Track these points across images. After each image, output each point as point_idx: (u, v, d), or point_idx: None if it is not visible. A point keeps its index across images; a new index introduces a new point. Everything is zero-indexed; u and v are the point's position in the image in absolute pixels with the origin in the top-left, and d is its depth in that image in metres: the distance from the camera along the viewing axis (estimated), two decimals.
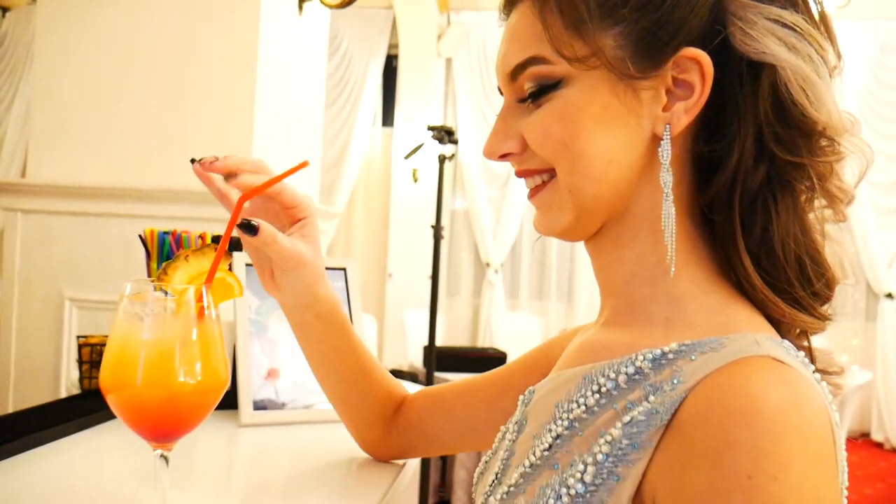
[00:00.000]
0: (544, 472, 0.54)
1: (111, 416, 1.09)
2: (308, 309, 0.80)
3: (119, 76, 1.90)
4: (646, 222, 0.57)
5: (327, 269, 1.20)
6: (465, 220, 5.70)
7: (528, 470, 0.55)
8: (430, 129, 2.83)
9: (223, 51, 1.85)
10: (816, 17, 0.55)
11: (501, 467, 0.61)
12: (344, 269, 1.18)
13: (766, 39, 0.52)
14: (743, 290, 0.56)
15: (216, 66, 1.85)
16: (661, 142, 0.55)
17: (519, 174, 0.62)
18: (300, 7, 2.06)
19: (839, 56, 0.55)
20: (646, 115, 0.55)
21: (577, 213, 0.58)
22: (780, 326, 0.56)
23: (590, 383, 0.55)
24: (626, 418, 0.49)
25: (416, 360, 4.08)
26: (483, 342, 5.37)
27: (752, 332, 0.51)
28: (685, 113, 0.54)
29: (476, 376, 0.82)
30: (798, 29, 0.52)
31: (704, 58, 0.53)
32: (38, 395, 1.86)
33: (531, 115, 0.57)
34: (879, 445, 5.14)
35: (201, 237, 1.26)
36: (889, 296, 5.23)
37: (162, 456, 0.62)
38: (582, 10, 0.54)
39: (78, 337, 1.23)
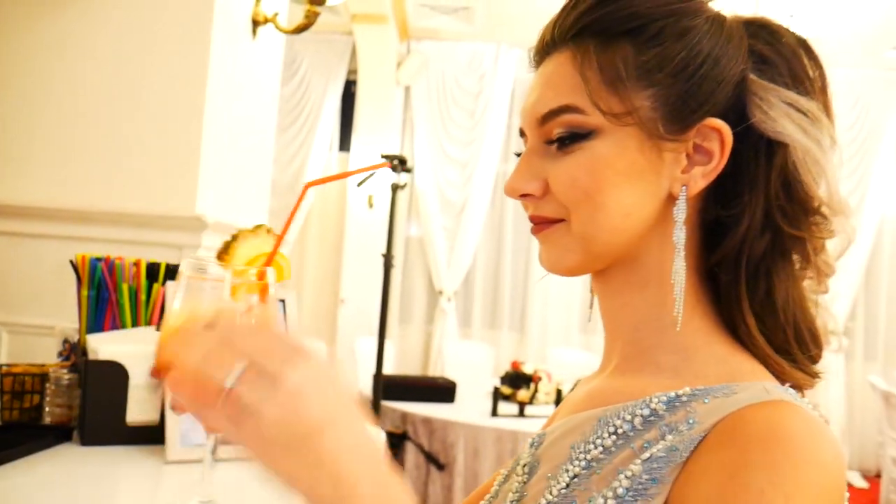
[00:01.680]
0: None
1: (29, 452, 1.03)
2: None
3: (60, 94, 1.84)
4: (654, 274, 0.61)
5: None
6: (420, 248, 5.69)
7: None
8: (384, 157, 2.82)
9: (172, 72, 1.81)
10: (821, 104, 0.59)
11: None
12: (282, 301, 1.15)
13: (784, 121, 0.57)
14: (744, 344, 0.59)
15: (164, 87, 1.82)
16: (677, 201, 0.58)
17: (533, 219, 0.63)
18: (254, 31, 2.04)
19: (834, 141, 0.60)
20: (665, 174, 0.58)
21: (585, 256, 0.61)
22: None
23: (605, 425, 0.57)
24: (646, 455, 0.52)
25: (366, 388, 4.02)
26: (434, 370, 5.32)
27: (759, 381, 0.54)
28: (702, 177, 0.58)
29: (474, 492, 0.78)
30: (810, 115, 0.57)
31: (726, 129, 0.57)
32: None
33: (559, 162, 0.60)
34: None
35: (136, 264, 1.22)
36: None
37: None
38: (620, 69, 0.58)
39: (1, 366, 1.17)
